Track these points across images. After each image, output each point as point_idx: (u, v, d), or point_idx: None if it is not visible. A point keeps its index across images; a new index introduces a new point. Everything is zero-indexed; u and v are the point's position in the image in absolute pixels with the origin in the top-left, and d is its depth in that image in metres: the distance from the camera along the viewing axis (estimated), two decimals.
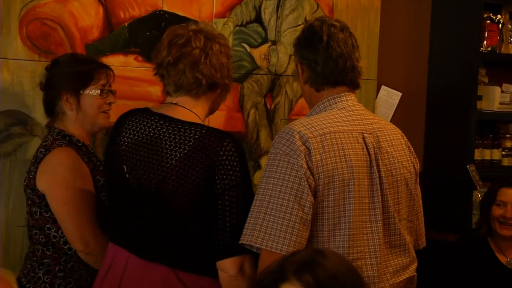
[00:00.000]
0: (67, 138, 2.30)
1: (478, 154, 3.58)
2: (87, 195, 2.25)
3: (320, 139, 1.94)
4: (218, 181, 1.94)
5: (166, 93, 2.12)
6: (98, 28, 2.72)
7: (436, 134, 3.61)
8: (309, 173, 1.90)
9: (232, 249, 1.94)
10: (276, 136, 2.00)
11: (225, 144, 1.96)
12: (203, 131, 1.99)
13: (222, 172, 1.94)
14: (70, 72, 2.33)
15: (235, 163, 1.95)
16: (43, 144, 2.29)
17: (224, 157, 1.94)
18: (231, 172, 1.94)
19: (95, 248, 2.23)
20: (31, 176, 2.25)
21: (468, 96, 3.50)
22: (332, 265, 1.44)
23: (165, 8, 2.84)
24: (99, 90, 2.34)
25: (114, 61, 2.74)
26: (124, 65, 2.77)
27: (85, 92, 2.33)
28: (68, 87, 2.32)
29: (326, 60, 2.05)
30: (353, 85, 2.10)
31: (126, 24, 2.77)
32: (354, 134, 2.00)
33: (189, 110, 2.06)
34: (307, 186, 1.90)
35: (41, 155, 2.25)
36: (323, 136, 1.95)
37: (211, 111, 2.16)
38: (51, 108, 2.36)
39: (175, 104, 2.07)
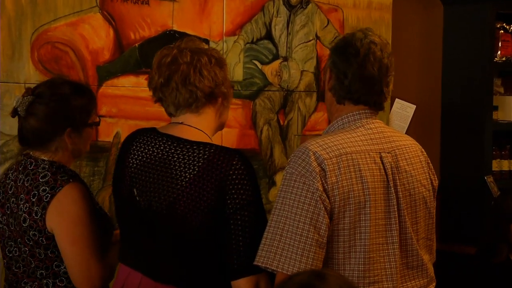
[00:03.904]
0: (62, 169, 2.18)
1: (496, 165, 3.55)
2: (96, 231, 2.17)
3: (336, 160, 1.91)
4: (229, 201, 1.93)
5: (168, 115, 2.11)
6: (109, 49, 2.73)
7: (452, 146, 3.59)
8: (324, 195, 1.88)
9: (247, 268, 1.93)
10: (292, 155, 1.97)
11: (234, 163, 1.95)
12: (212, 151, 1.97)
13: (233, 191, 1.93)
14: (77, 107, 2.19)
15: (245, 182, 1.94)
16: (41, 180, 2.13)
17: (234, 176, 1.93)
18: (241, 191, 1.93)
19: (100, 287, 2.17)
20: (36, 217, 2.11)
21: (483, 107, 3.48)
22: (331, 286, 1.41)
23: (175, 28, 2.85)
24: (98, 119, 2.28)
25: (125, 82, 2.76)
26: (135, 85, 2.77)
27: (88, 124, 2.24)
28: (74, 122, 2.19)
29: (355, 76, 1.99)
30: (376, 106, 2.05)
31: (136, 45, 2.78)
32: (371, 154, 1.97)
33: (195, 128, 2.05)
34: (323, 208, 1.87)
35: (48, 195, 2.11)
36: (339, 158, 1.91)
37: (220, 124, 2.14)
38: (40, 140, 2.18)
39: (181, 123, 2.06)
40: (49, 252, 2.15)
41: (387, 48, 2.04)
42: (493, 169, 3.51)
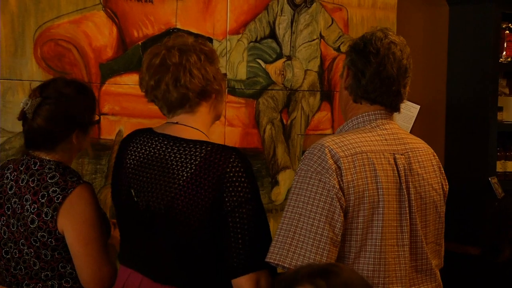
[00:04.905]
0: (68, 170, 2.19)
1: (500, 166, 3.53)
2: (104, 232, 2.19)
3: (352, 159, 1.90)
4: (227, 199, 1.92)
5: (164, 114, 2.11)
6: (112, 47, 2.72)
7: (456, 147, 3.57)
8: (340, 193, 1.87)
9: (247, 266, 1.92)
10: (307, 152, 1.95)
11: (231, 160, 1.94)
12: (208, 149, 1.97)
13: (231, 189, 1.92)
14: (84, 107, 2.21)
15: (243, 179, 1.93)
16: (50, 181, 2.13)
17: (231, 174, 1.92)
18: (239, 189, 1.92)
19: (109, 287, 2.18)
20: (46, 219, 2.10)
21: (488, 107, 3.46)
22: (346, 275, 1.44)
23: (178, 26, 2.85)
24: (98, 117, 2.29)
25: (128, 80, 2.75)
26: (138, 83, 2.75)
27: (92, 122, 2.25)
28: (83, 123, 2.21)
29: (373, 76, 1.98)
30: (392, 107, 2.04)
31: (140, 43, 2.78)
32: (385, 154, 1.96)
33: (191, 127, 2.05)
34: (338, 206, 1.86)
35: (59, 196, 2.10)
36: (354, 156, 1.90)
37: (215, 117, 2.13)
38: (50, 142, 2.18)
39: (176, 123, 2.06)
40: (56, 253, 2.14)
41: (407, 49, 2.03)
42: (497, 170, 3.49)
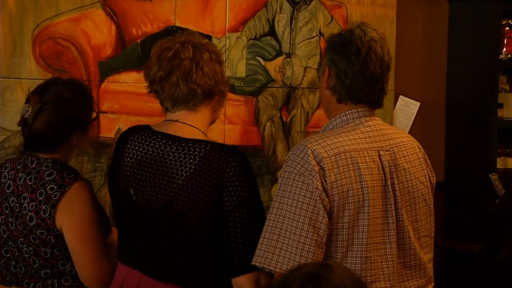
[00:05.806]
0: (65, 167, 2.18)
1: (500, 163, 3.53)
2: (103, 229, 2.19)
3: (335, 158, 1.88)
4: (226, 198, 1.91)
5: (164, 110, 2.09)
6: (111, 45, 2.72)
7: (457, 143, 3.56)
8: (324, 195, 1.85)
9: (247, 265, 1.91)
10: (290, 153, 1.94)
11: (230, 160, 1.93)
12: (208, 148, 1.96)
13: (230, 189, 1.91)
14: (83, 109, 2.21)
15: (242, 178, 1.92)
16: (47, 179, 2.13)
17: (231, 174, 1.92)
18: (239, 188, 1.92)
19: (108, 285, 2.16)
20: (44, 216, 2.10)
21: (488, 104, 3.46)
22: (337, 279, 1.40)
23: (177, 24, 2.84)
24: (96, 114, 2.30)
25: (127, 78, 2.75)
26: (137, 81, 2.76)
27: (91, 121, 2.26)
28: (82, 125, 2.21)
29: (357, 76, 1.95)
30: (376, 104, 2.03)
31: (138, 41, 2.78)
32: (370, 152, 1.94)
33: (191, 125, 2.04)
34: (322, 208, 1.84)
35: (57, 193, 2.10)
36: (337, 156, 1.89)
37: (212, 120, 2.13)
38: (51, 145, 2.18)
39: (176, 121, 2.05)
40: (55, 250, 2.14)
41: (386, 44, 2.01)
42: (497, 167, 3.49)
